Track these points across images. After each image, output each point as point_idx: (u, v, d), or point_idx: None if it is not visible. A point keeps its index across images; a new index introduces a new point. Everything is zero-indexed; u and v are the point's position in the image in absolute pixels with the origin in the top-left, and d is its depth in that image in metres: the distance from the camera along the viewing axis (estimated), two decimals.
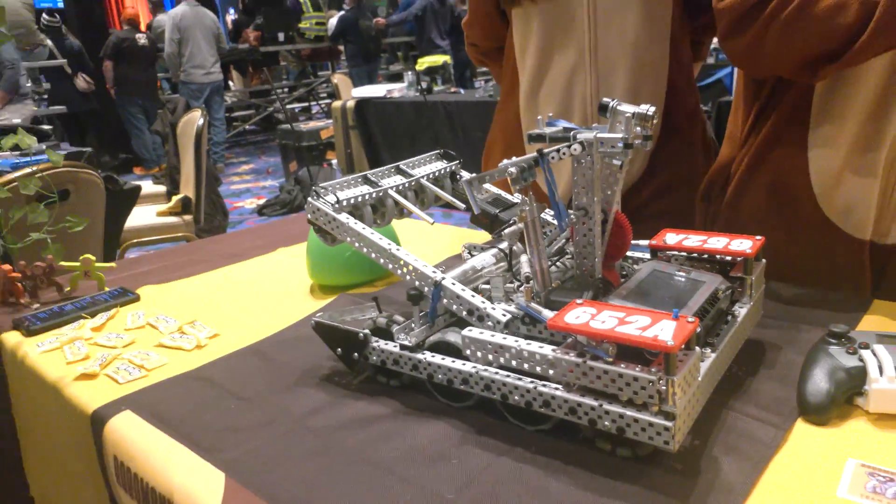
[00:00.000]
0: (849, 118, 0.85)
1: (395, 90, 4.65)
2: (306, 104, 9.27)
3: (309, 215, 0.78)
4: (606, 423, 0.56)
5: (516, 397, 0.61)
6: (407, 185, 0.85)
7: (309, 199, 0.77)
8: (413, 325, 0.71)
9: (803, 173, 0.91)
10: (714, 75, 4.04)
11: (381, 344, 0.71)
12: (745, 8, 0.83)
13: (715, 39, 1.15)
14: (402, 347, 0.69)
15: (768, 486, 0.54)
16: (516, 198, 0.89)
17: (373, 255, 0.73)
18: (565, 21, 1.09)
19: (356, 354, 0.73)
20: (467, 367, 0.65)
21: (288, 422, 0.68)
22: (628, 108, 0.63)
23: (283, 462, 0.61)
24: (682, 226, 0.81)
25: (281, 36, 7.94)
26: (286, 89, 8.90)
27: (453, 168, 0.93)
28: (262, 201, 5.11)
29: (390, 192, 0.82)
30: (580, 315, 0.58)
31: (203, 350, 0.87)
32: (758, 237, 0.74)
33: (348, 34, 7.55)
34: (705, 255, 0.76)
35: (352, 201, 0.78)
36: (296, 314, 0.95)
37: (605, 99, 0.64)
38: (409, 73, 4.65)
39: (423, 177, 0.87)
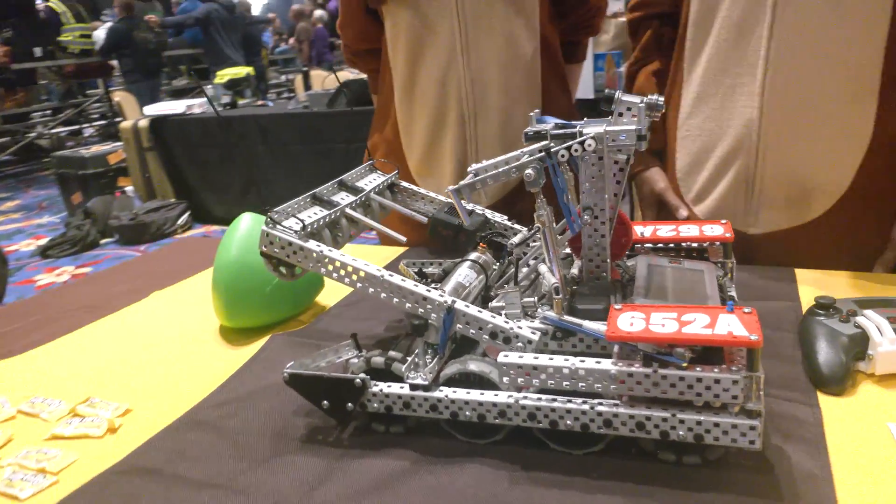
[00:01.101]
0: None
1: (196, 105, 4.28)
2: (76, 127, 8.21)
3: (263, 247, 0.64)
4: (681, 432, 0.52)
5: (568, 422, 0.55)
6: (358, 201, 0.74)
7: (263, 227, 0.64)
8: (417, 360, 0.61)
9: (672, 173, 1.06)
10: None
11: (384, 387, 0.60)
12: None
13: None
14: (414, 387, 0.59)
15: (842, 465, 0.53)
16: (476, 207, 0.82)
17: (358, 286, 0.62)
18: (435, 18, 1.05)
19: (350, 405, 0.62)
20: (502, 397, 0.57)
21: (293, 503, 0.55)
22: (635, 98, 0.60)
23: None
24: None
25: (38, 51, 6.93)
26: (49, 111, 7.81)
27: (393, 179, 0.83)
28: (43, 241, 4.40)
29: (347, 210, 0.71)
30: (633, 321, 0.53)
31: (119, 434, 0.68)
32: (723, 220, 0.76)
33: (122, 47, 6.83)
34: (676, 244, 0.76)
35: (315, 225, 0.66)
36: (221, 368, 0.79)
37: (609, 90, 0.60)
38: (210, 86, 4.30)
39: (371, 191, 0.76)
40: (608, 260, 0.64)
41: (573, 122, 0.62)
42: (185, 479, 0.60)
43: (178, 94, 7.84)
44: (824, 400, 0.62)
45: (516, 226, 0.80)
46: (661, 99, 0.59)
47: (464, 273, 0.70)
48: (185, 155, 4.31)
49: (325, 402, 0.62)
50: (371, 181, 0.80)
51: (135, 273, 1.21)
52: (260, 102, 4.41)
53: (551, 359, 0.55)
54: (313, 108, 3.76)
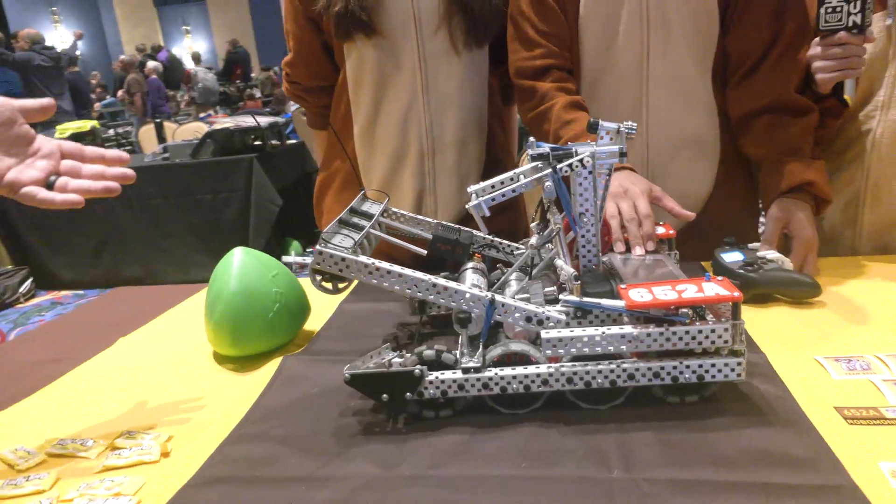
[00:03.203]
0: None
1: None
2: None
3: (317, 265, 0.72)
4: (687, 375, 0.68)
5: (599, 380, 0.69)
6: (373, 224, 0.84)
7: (317, 247, 0.71)
8: (464, 349, 0.72)
9: None
10: None
11: (439, 375, 0.70)
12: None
13: None
14: (466, 370, 0.70)
15: (794, 388, 0.72)
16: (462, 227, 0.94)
17: (407, 291, 0.72)
18: (397, 62, 1.18)
19: (409, 394, 0.70)
20: (542, 368, 0.69)
21: (378, 482, 0.63)
22: (613, 125, 0.76)
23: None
24: (514, 238, 0.96)
25: None
26: None
27: (385, 206, 0.93)
28: None
29: (370, 231, 0.80)
30: (642, 295, 0.68)
31: (174, 458, 0.71)
32: (661, 221, 0.95)
33: None
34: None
35: (358, 242, 0.75)
36: (242, 391, 0.83)
37: (593, 119, 0.76)
38: None
39: (379, 215, 0.86)
40: (599, 254, 0.79)
41: (567, 146, 0.77)
42: (266, 479, 0.64)
43: None
44: (765, 348, 0.81)
45: (504, 241, 0.93)
46: (635, 124, 0.77)
47: (472, 277, 0.82)
48: (23, 217, 3.94)
49: (386, 395, 0.71)
50: (373, 207, 0.89)
51: (73, 330, 1.16)
52: None
53: (584, 330, 0.68)
54: (173, 161, 3.65)
